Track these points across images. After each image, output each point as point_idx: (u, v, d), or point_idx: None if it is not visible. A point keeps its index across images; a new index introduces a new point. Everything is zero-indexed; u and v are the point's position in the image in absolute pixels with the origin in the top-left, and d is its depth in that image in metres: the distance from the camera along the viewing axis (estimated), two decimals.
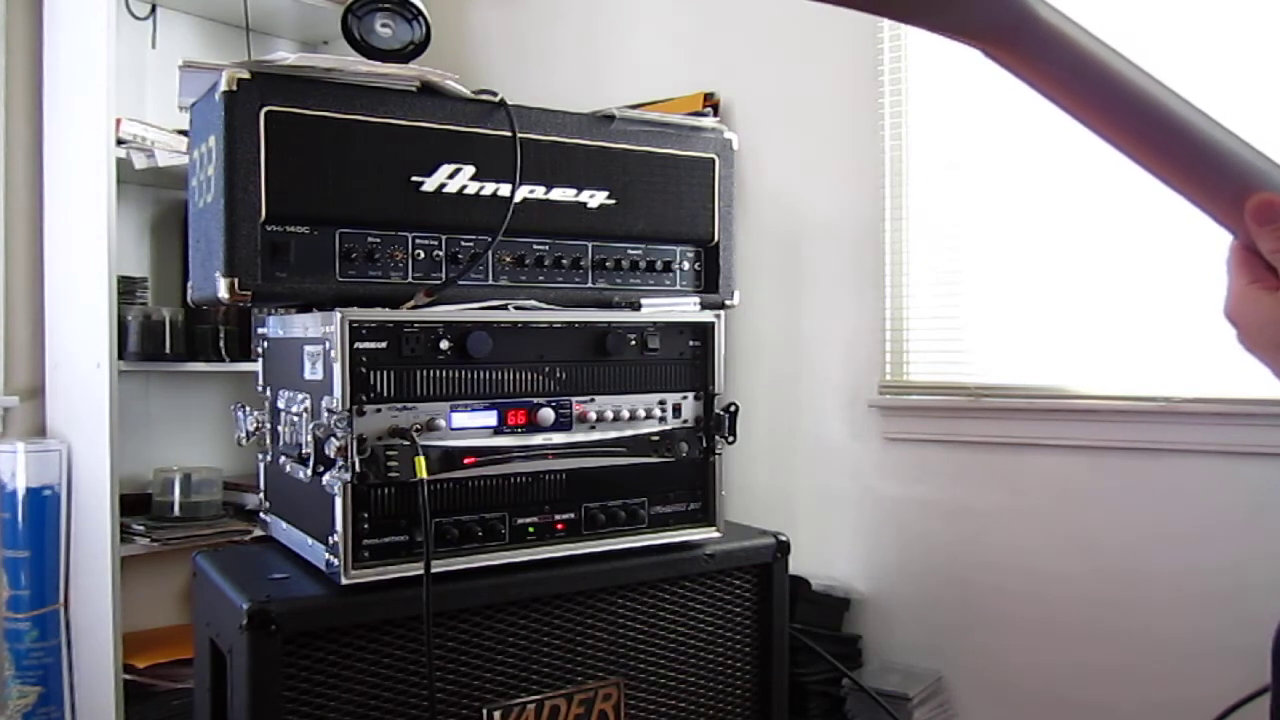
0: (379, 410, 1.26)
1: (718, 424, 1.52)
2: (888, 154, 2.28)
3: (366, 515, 1.25)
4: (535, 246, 1.46)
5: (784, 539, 1.59)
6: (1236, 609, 1.83)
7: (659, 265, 1.57)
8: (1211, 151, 0.56)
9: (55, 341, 2.51)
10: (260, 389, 1.54)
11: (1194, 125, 0.57)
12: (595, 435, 1.42)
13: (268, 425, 1.50)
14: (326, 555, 1.28)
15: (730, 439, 1.52)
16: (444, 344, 1.31)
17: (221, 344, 2.58)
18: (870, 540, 2.33)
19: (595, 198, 1.49)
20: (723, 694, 1.55)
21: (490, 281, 1.43)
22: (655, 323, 1.48)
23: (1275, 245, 0.55)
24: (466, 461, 1.32)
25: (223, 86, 1.24)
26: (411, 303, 1.33)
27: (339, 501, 1.24)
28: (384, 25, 1.61)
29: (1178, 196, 0.59)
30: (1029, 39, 0.56)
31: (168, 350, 2.50)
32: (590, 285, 1.51)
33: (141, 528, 2.40)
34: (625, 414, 1.45)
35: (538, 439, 1.38)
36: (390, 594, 1.25)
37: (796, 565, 1.65)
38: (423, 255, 1.38)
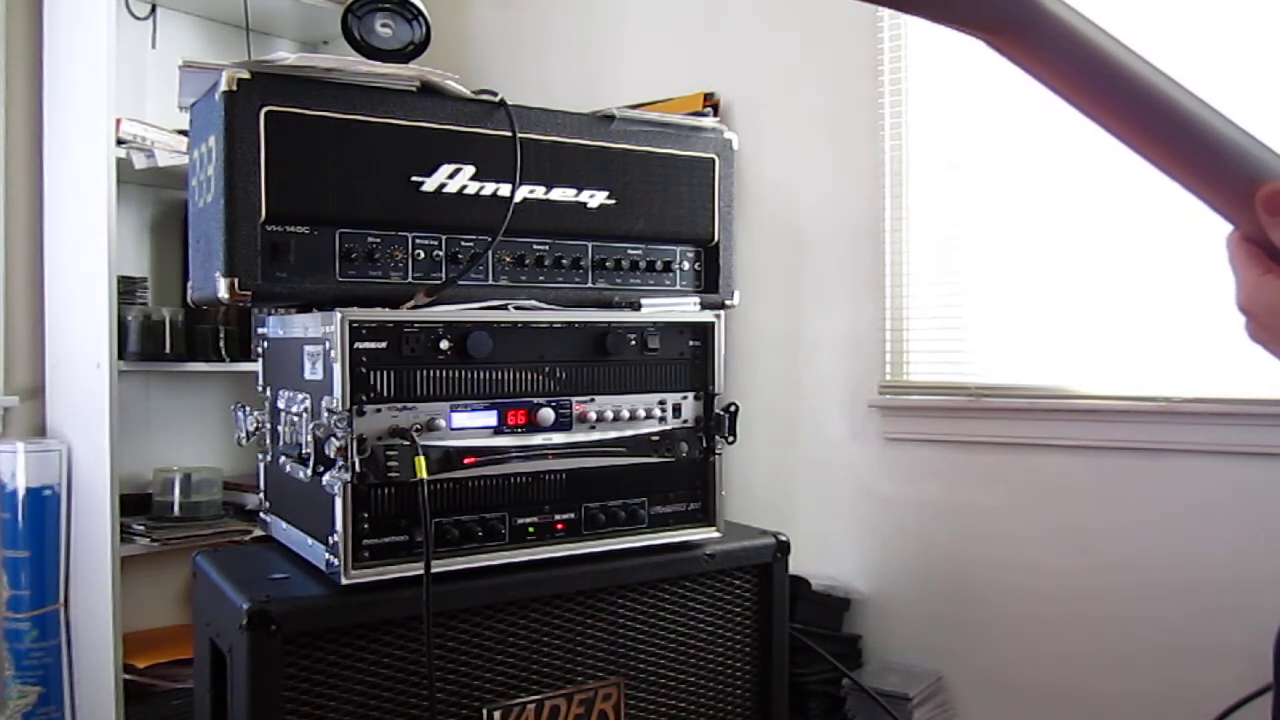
0: (379, 410, 1.26)
1: (718, 424, 1.52)
2: (888, 154, 2.28)
3: (366, 515, 1.25)
4: (535, 246, 1.46)
5: (784, 539, 1.59)
6: (1237, 609, 1.83)
7: (659, 265, 1.57)
8: (1216, 143, 0.56)
9: (55, 341, 2.51)
10: (260, 389, 1.54)
11: (1198, 116, 0.57)
12: (595, 435, 1.42)
13: (268, 425, 1.50)
14: (326, 555, 1.28)
15: (730, 439, 1.52)
16: (444, 344, 1.31)
17: (221, 344, 2.58)
18: (870, 540, 2.33)
19: (595, 198, 1.49)
20: (723, 694, 1.55)
21: (490, 281, 1.43)
22: (655, 323, 1.48)
23: None
24: (466, 461, 1.32)
25: (223, 86, 1.24)
26: (411, 303, 1.33)
27: (339, 501, 1.24)
28: (384, 25, 1.61)
29: (1179, 188, 0.59)
30: (1033, 30, 0.56)
31: (168, 350, 2.50)
32: (590, 285, 1.51)
33: (141, 528, 2.40)
34: (625, 414, 1.45)
35: (538, 439, 1.38)
36: (390, 594, 1.25)
37: (796, 565, 1.65)
38: (423, 255, 1.38)
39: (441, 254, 1.39)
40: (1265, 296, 0.56)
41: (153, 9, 2.76)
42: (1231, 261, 0.58)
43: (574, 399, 1.41)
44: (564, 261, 1.49)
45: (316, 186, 1.29)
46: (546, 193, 1.44)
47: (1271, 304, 0.56)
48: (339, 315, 1.24)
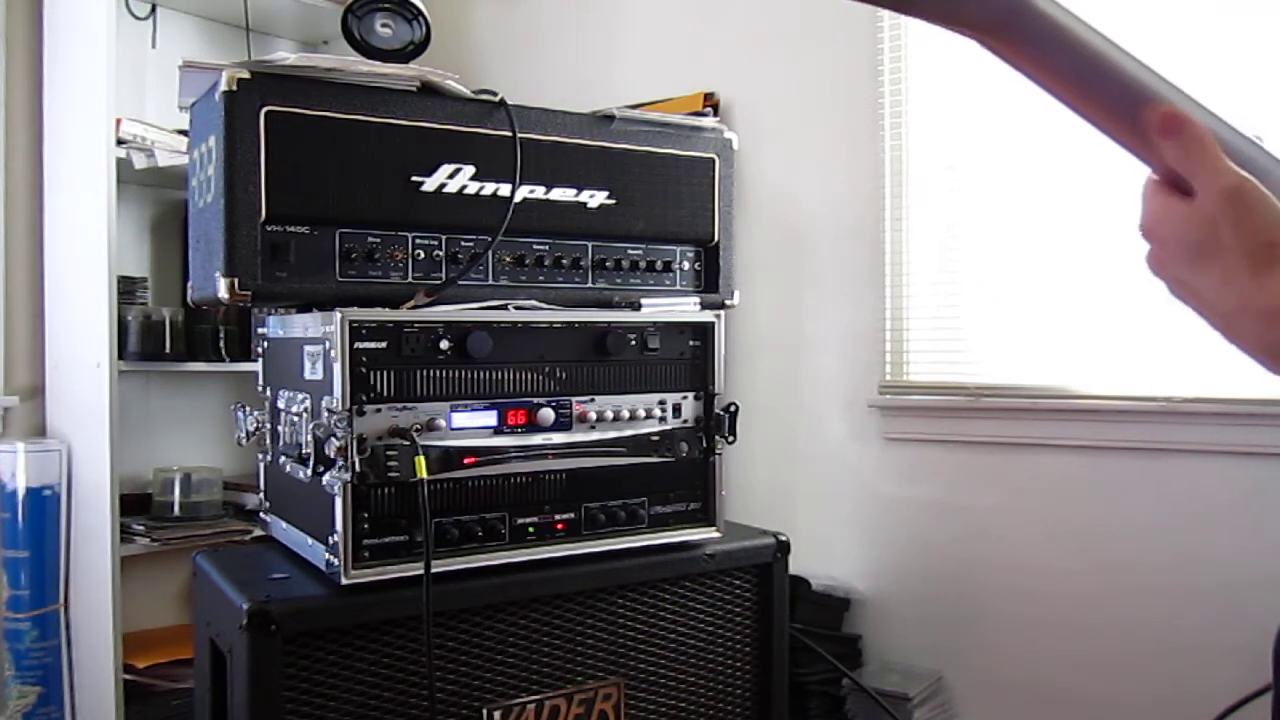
0: (379, 410, 1.26)
1: (718, 424, 1.52)
2: (888, 154, 2.28)
3: (366, 515, 1.25)
4: (535, 246, 1.46)
5: (784, 539, 1.59)
6: (1237, 609, 1.83)
7: (659, 265, 1.57)
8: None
9: (55, 341, 2.51)
10: (260, 389, 1.54)
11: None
12: (595, 435, 1.42)
13: (268, 425, 1.50)
14: (326, 555, 1.28)
15: (730, 439, 1.52)
16: (444, 344, 1.31)
17: (221, 344, 2.57)
18: (870, 540, 2.33)
19: (595, 198, 1.49)
20: (723, 694, 1.55)
21: (490, 281, 1.43)
22: (655, 323, 1.48)
23: (1180, 155, 0.56)
24: (466, 461, 1.32)
25: (223, 86, 1.24)
26: (411, 303, 1.33)
27: (339, 501, 1.24)
28: (384, 25, 1.61)
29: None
30: (1025, 29, 0.57)
31: (168, 350, 2.50)
32: (590, 285, 1.51)
33: (141, 528, 2.40)
34: (625, 414, 1.45)
35: (538, 439, 1.38)
36: (390, 594, 1.25)
37: (796, 565, 1.65)
38: (423, 255, 1.38)
39: (441, 254, 1.39)
40: (1165, 215, 0.57)
41: (153, 9, 2.76)
42: (1142, 199, 0.60)
43: (574, 399, 1.41)
44: (564, 261, 1.49)
45: (316, 186, 1.29)
46: (546, 193, 1.45)
47: (1169, 223, 0.57)
48: (339, 315, 1.24)
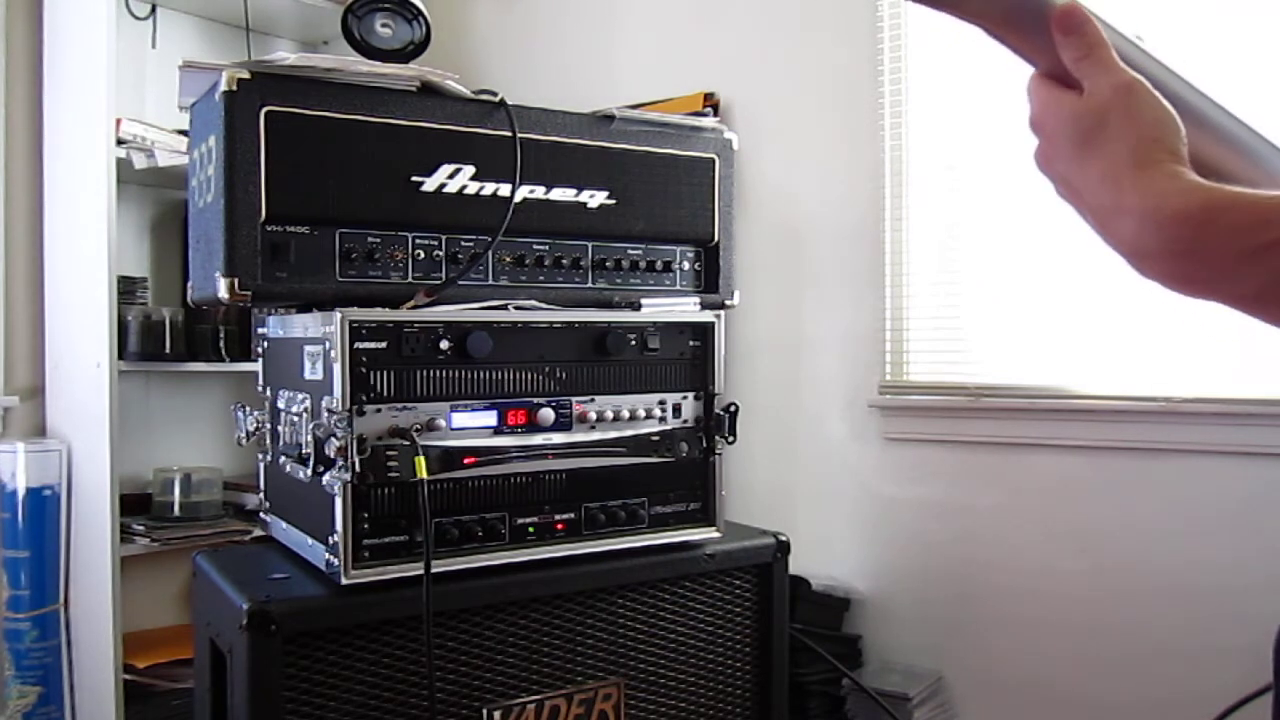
0: (379, 410, 1.26)
1: (718, 424, 1.52)
2: (888, 154, 2.28)
3: (366, 515, 1.25)
4: (535, 246, 1.46)
5: (784, 539, 1.59)
6: (1237, 609, 1.83)
7: (659, 265, 1.57)
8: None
9: (55, 341, 2.51)
10: (260, 389, 1.54)
11: (1209, 113, 0.59)
12: (595, 435, 1.42)
13: (268, 425, 1.50)
14: (326, 555, 1.28)
15: (730, 439, 1.52)
16: (444, 344, 1.31)
17: (221, 344, 2.57)
18: (870, 540, 2.33)
19: (595, 198, 1.49)
20: (723, 694, 1.55)
21: (490, 281, 1.43)
22: (655, 323, 1.48)
23: (1078, 53, 0.56)
24: (466, 461, 1.32)
25: (223, 86, 1.24)
26: (411, 303, 1.33)
27: (339, 501, 1.24)
28: (384, 25, 1.61)
29: None
30: (1031, 18, 0.57)
31: (168, 350, 2.50)
32: (590, 285, 1.51)
33: (141, 528, 2.40)
34: (625, 414, 1.45)
35: (538, 439, 1.38)
36: (390, 594, 1.25)
37: (796, 565, 1.65)
38: (423, 255, 1.38)
39: (441, 254, 1.39)
40: (1057, 106, 0.58)
41: (153, 9, 2.76)
42: (1028, 93, 0.60)
43: (574, 399, 1.41)
44: (564, 261, 1.49)
45: (316, 186, 1.29)
46: (546, 193, 1.45)
47: (1056, 115, 0.58)
48: (339, 315, 1.24)
